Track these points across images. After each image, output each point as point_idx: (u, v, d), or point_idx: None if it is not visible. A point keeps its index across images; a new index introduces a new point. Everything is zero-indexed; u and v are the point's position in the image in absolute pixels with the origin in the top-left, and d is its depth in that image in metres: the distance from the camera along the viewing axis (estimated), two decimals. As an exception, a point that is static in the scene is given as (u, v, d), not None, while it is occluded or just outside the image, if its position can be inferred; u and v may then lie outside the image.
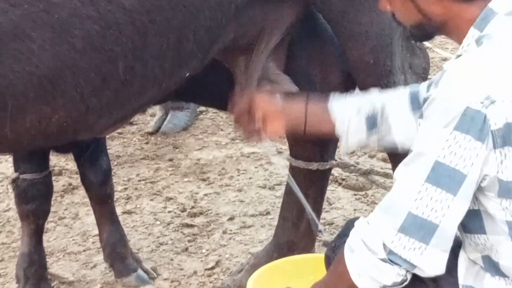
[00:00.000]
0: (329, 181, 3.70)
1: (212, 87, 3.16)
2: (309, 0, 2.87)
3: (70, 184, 4.51)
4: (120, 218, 3.76)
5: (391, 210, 2.09)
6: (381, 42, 2.91)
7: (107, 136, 4.43)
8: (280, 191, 4.05)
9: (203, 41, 2.60)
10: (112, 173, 3.66)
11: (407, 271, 2.10)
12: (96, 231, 3.69)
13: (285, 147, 4.48)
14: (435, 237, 2.06)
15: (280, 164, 4.60)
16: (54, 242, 3.95)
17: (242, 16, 2.69)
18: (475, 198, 2.11)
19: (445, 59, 5.70)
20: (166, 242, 3.93)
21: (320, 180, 3.42)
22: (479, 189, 2.09)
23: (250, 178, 4.58)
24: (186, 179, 4.60)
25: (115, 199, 3.78)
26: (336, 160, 3.42)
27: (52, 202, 3.51)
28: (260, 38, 2.84)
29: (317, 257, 2.93)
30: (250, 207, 4.25)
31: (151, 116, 5.41)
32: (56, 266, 3.74)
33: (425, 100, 2.11)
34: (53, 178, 4.01)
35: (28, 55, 2.30)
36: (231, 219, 4.13)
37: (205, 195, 4.40)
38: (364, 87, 3.06)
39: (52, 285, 3.55)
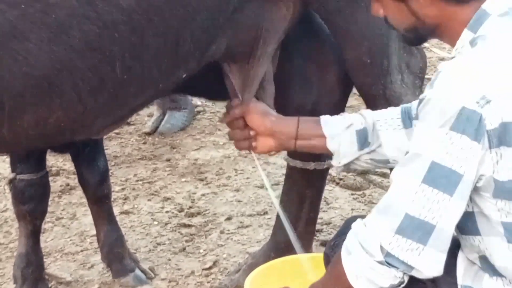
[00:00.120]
0: (327, 181, 3.70)
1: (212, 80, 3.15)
2: (306, 0, 2.87)
3: (67, 185, 4.51)
4: (118, 218, 3.76)
5: (388, 211, 2.09)
6: (378, 41, 2.91)
7: (105, 136, 4.43)
8: (278, 191, 4.04)
9: (200, 42, 2.60)
10: (110, 173, 3.66)
11: (404, 273, 2.10)
12: (94, 231, 3.70)
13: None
14: (433, 238, 2.06)
15: (277, 164, 4.62)
16: (51, 243, 3.95)
17: (239, 17, 2.68)
18: (470, 199, 2.11)
19: (442, 59, 5.70)
20: (163, 242, 3.93)
21: (317, 179, 3.42)
22: (475, 190, 2.09)
23: (248, 178, 4.58)
24: (183, 179, 4.60)
25: (112, 199, 3.79)
26: (333, 160, 3.42)
27: (49, 203, 3.51)
28: (258, 40, 2.84)
29: (315, 256, 2.94)
30: (248, 207, 4.25)
31: (149, 117, 5.41)
32: (53, 266, 3.74)
33: (420, 100, 2.12)
34: (51, 178, 4.02)
35: (25, 56, 2.29)
36: (228, 219, 4.14)
37: (203, 195, 4.40)
38: (361, 87, 3.07)
39: (50, 285, 3.55)
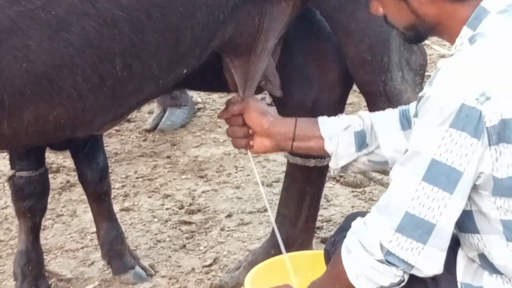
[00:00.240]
0: (327, 178, 3.70)
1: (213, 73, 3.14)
2: (306, -4, 2.87)
3: (68, 182, 4.51)
4: (118, 216, 3.76)
5: (388, 210, 2.09)
6: (378, 38, 2.91)
7: (105, 134, 4.43)
8: (278, 188, 4.05)
9: (200, 38, 2.59)
10: (110, 171, 3.66)
11: (405, 272, 2.10)
12: (94, 229, 3.69)
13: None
14: (433, 237, 2.06)
15: (277, 161, 4.62)
16: (52, 240, 3.95)
17: (239, 13, 2.68)
18: (469, 198, 2.11)
19: (442, 56, 5.70)
20: (164, 239, 3.93)
21: (317, 177, 3.41)
22: (474, 188, 2.09)
23: (248, 175, 4.58)
24: (184, 176, 4.60)
25: (113, 196, 3.79)
26: (333, 157, 3.42)
27: (49, 200, 3.51)
28: (258, 36, 2.84)
29: (315, 253, 2.93)
30: (248, 204, 4.25)
31: (149, 114, 5.41)
32: (54, 264, 3.74)
33: (419, 98, 2.11)
34: (51, 175, 4.03)
35: (25, 52, 2.29)
36: (229, 216, 4.13)
37: (203, 192, 4.40)
38: (361, 84, 3.07)
39: (50, 282, 3.55)
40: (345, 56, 2.98)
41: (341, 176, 4.44)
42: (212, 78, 3.08)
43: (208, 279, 3.59)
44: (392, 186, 2.11)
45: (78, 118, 2.51)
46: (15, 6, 2.23)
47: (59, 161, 4.68)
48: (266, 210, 4.15)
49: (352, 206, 4.19)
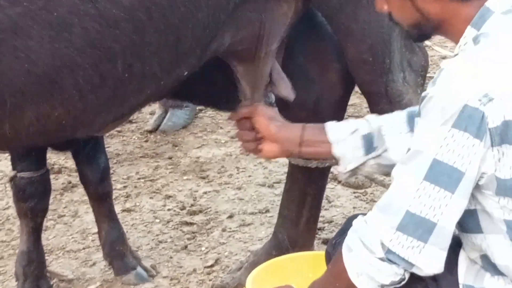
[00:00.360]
0: (328, 179, 3.70)
1: (210, 86, 3.16)
2: (307, -3, 2.87)
3: (69, 182, 4.51)
4: (120, 216, 3.76)
5: (389, 208, 2.09)
6: (380, 39, 2.91)
7: (107, 134, 4.44)
8: (279, 189, 4.05)
9: (201, 39, 2.59)
10: (112, 171, 3.66)
11: (405, 270, 2.10)
12: (96, 229, 3.69)
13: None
14: (434, 236, 2.06)
15: (279, 162, 4.62)
16: (53, 240, 3.95)
17: (240, 14, 2.68)
18: (472, 197, 2.11)
19: (444, 57, 5.69)
20: (165, 240, 3.93)
21: (319, 178, 3.41)
22: (477, 187, 2.09)
23: (250, 176, 4.58)
24: (185, 177, 4.60)
25: (114, 197, 3.79)
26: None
27: (51, 200, 3.51)
28: (261, 38, 2.84)
29: (316, 254, 2.93)
30: (250, 205, 4.25)
31: (151, 114, 5.41)
32: (55, 264, 3.74)
33: (422, 98, 2.11)
34: (53, 176, 4.03)
35: (26, 53, 2.30)
36: (230, 217, 4.13)
37: (205, 193, 4.40)
38: (362, 85, 3.07)
39: (51, 283, 3.55)
40: (346, 56, 2.98)
41: (343, 177, 4.44)
42: (221, 95, 3.12)
43: (210, 280, 3.59)
44: (394, 184, 2.12)
45: (79, 118, 2.52)
46: (17, 7, 2.23)
47: (61, 161, 4.68)
48: (267, 211, 4.16)
49: (354, 207, 4.19)
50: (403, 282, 2.13)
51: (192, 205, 4.25)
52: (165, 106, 5.28)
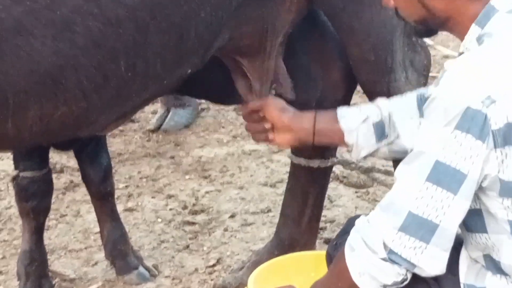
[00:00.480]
0: (331, 179, 3.70)
1: (215, 81, 3.16)
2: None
3: (71, 182, 4.51)
4: (122, 216, 3.76)
5: (392, 209, 2.09)
6: (382, 38, 2.91)
7: (109, 134, 4.43)
8: (281, 188, 4.04)
9: (204, 38, 2.60)
10: (114, 171, 3.65)
11: (408, 270, 2.10)
12: (98, 229, 3.69)
13: (286, 144, 4.48)
14: (436, 237, 2.06)
15: (281, 162, 4.62)
16: (55, 240, 3.95)
17: (242, 13, 2.69)
18: (477, 197, 2.11)
19: (446, 56, 5.69)
20: (167, 240, 3.93)
21: (321, 177, 3.41)
22: (481, 189, 2.09)
23: (252, 175, 4.58)
24: (187, 177, 4.59)
25: (116, 196, 3.78)
26: (337, 158, 3.42)
27: (53, 200, 3.50)
28: (264, 35, 2.84)
29: (318, 254, 2.93)
30: (252, 205, 4.25)
31: (153, 114, 5.41)
32: (57, 264, 3.74)
33: (425, 99, 2.11)
34: (55, 175, 4.02)
35: (29, 52, 2.30)
36: (232, 216, 4.13)
37: (207, 192, 4.40)
38: (365, 84, 3.07)
39: (53, 282, 3.55)
40: (348, 56, 2.98)
41: (344, 177, 4.44)
42: (220, 89, 3.11)
43: (212, 280, 3.58)
44: (396, 185, 2.12)
45: (82, 118, 2.52)
46: (20, 6, 2.24)
47: (63, 161, 4.68)
48: (269, 211, 4.16)
49: (356, 207, 4.19)
50: (405, 283, 2.13)
51: (194, 205, 4.25)
52: (167, 106, 5.28)
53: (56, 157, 4.61)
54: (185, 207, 4.22)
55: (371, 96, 3.04)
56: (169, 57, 2.55)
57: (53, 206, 3.59)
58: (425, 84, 3.11)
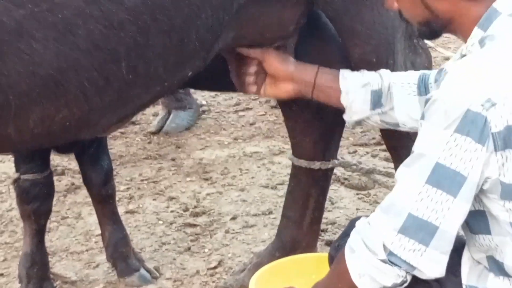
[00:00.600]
0: (332, 181, 3.70)
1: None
2: (312, -1, 2.87)
3: (72, 184, 4.51)
4: (123, 218, 3.76)
5: (392, 210, 2.09)
6: (384, 40, 2.91)
7: (110, 136, 4.43)
8: (283, 190, 4.04)
9: (205, 40, 2.60)
10: (115, 173, 3.65)
11: (407, 272, 2.10)
12: (99, 231, 3.70)
13: (287, 146, 4.49)
14: (435, 239, 2.06)
15: (282, 164, 4.62)
16: (57, 242, 3.95)
17: (243, 15, 2.69)
18: (479, 200, 2.11)
19: (447, 58, 5.68)
20: (168, 242, 3.93)
21: (322, 179, 3.41)
22: (482, 192, 2.09)
23: (253, 177, 4.58)
24: (188, 179, 4.60)
25: (117, 198, 3.79)
26: (338, 160, 3.42)
27: (54, 202, 3.50)
28: (262, 38, 2.84)
29: (320, 256, 2.94)
30: (253, 207, 4.25)
31: (154, 116, 5.41)
32: (58, 266, 3.74)
33: (427, 100, 2.12)
34: (56, 177, 4.03)
35: (31, 55, 2.30)
36: (233, 218, 4.13)
37: (208, 194, 4.40)
38: (366, 86, 3.06)
39: (55, 284, 3.55)
40: (350, 58, 2.98)
41: (345, 179, 4.44)
42: (216, 78, 3.09)
43: (213, 282, 3.59)
44: (397, 187, 2.12)
45: (84, 120, 2.52)
46: (22, 9, 2.24)
47: (64, 163, 4.69)
48: (271, 213, 4.16)
49: (357, 209, 4.19)
50: (405, 284, 2.13)
51: (195, 207, 4.25)
52: (168, 108, 5.28)
53: (57, 159, 4.61)
54: (186, 209, 4.22)
55: (372, 97, 3.04)
56: (171, 59, 2.55)
57: (54, 208, 3.59)
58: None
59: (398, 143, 3.12)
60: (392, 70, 2.96)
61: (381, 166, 4.37)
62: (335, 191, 4.33)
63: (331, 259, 2.54)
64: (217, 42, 2.68)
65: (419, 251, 2.06)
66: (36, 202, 3.35)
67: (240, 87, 2.95)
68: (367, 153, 4.80)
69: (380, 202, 2.18)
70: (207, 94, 5.72)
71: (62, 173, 4.62)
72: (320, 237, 3.71)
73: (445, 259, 2.09)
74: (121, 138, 5.15)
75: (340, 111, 2.80)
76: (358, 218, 2.28)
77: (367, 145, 4.91)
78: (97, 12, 2.32)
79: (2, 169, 4.72)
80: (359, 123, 2.75)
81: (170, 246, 3.89)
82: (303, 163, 3.33)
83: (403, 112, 2.62)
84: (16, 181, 3.35)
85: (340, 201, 4.28)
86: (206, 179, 4.59)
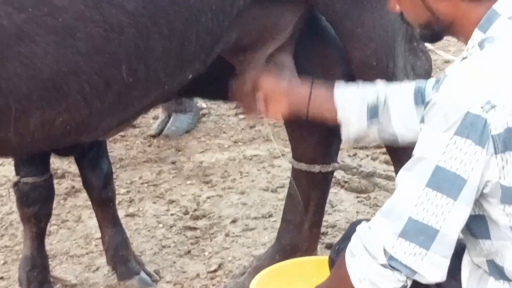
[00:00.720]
0: (332, 184, 3.70)
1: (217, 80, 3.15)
2: (311, 1, 2.87)
3: (73, 187, 4.51)
4: (123, 221, 3.76)
5: (392, 214, 2.09)
6: (384, 43, 2.91)
7: (110, 139, 4.44)
8: (283, 193, 4.04)
9: (205, 43, 2.60)
10: (115, 176, 3.65)
11: (408, 277, 2.10)
12: (99, 234, 3.70)
13: (287, 149, 4.49)
14: (436, 243, 2.05)
15: (282, 167, 4.62)
16: (57, 245, 3.95)
17: (243, 18, 2.69)
18: (480, 204, 2.11)
19: (447, 61, 5.68)
20: (168, 245, 3.93)
21: (322, 182, 3.41)
22: (482, 196, 2.08)
23: (253, 180, 4.58)
24: (188, 182, 4.60)
25: (117, 202, 3.79)
26: (338, 163, 3.42)
27: (55, 205, 3.50)
28: (262, 41, 2.85)
29: (320, 259, 2.93)
30: (253, 210, 4.25)
31: (154, 119, 5.41)
32: (59, 269, 3.74)
33: (426, 103, 2.11)
34: (56, 181, 4.02)
35: (32, 59, 2.30)
36: (233, 221, 4.13)
37: (208, 197, 4.40)
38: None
39: (55, 288, 3.56)
40: (350, 61, 2.99)
41: (345, 182, 4.44)
42: (215, 85, 3.10)
43: (213, 285, 3.59)
44: (397, 191, 2.11)
45: (84, 123, 2.52)
46: (22, 13, 2.24)
47: (64, 166, 4.69)
48: (271, 216, 4.16)
49: (357, 212, 4.19)
50: (405, 289, 2.13)
51: (195, 210, 4.25)
52: (168, 111, 5.28)
53: (58, 163, 4.61)
54: (186, 212, 4.22)
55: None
56: (171, 63, 2.55)
57: (54, 212, 3.59)
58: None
59: (398, 146, 3.12)
60: (393, 73, 2.97)
61: (381, 169, 4.37)
62: (335, 194, 4.33)
63: (332, 263, 2.54)
64: (217, 45, 2.69)
65: (419, 255, 2.06)
66: (36, 205, 3.35)
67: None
68: (367, 156, 4.79)
69: (380, 205, 2.18)
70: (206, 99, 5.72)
71: (62, 176, 4.62)
72: (320, 240, 3.71)
73: (446, 263, 2.08)
74: (121, 141, 5.15)
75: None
76: (359, 221, 2.28)
77: (367, 148, 4.90)
78: (98, 16, 2.32)
79: (2, 172, 4.72)
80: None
81: (170, 249, 3.89)
82: (303, 166, 3.34)
83: (400, 123, 2.57)
84: (16, 184, 3.35)
85: (340, 204, 4.28)
86: (206, 182, 4.59)
